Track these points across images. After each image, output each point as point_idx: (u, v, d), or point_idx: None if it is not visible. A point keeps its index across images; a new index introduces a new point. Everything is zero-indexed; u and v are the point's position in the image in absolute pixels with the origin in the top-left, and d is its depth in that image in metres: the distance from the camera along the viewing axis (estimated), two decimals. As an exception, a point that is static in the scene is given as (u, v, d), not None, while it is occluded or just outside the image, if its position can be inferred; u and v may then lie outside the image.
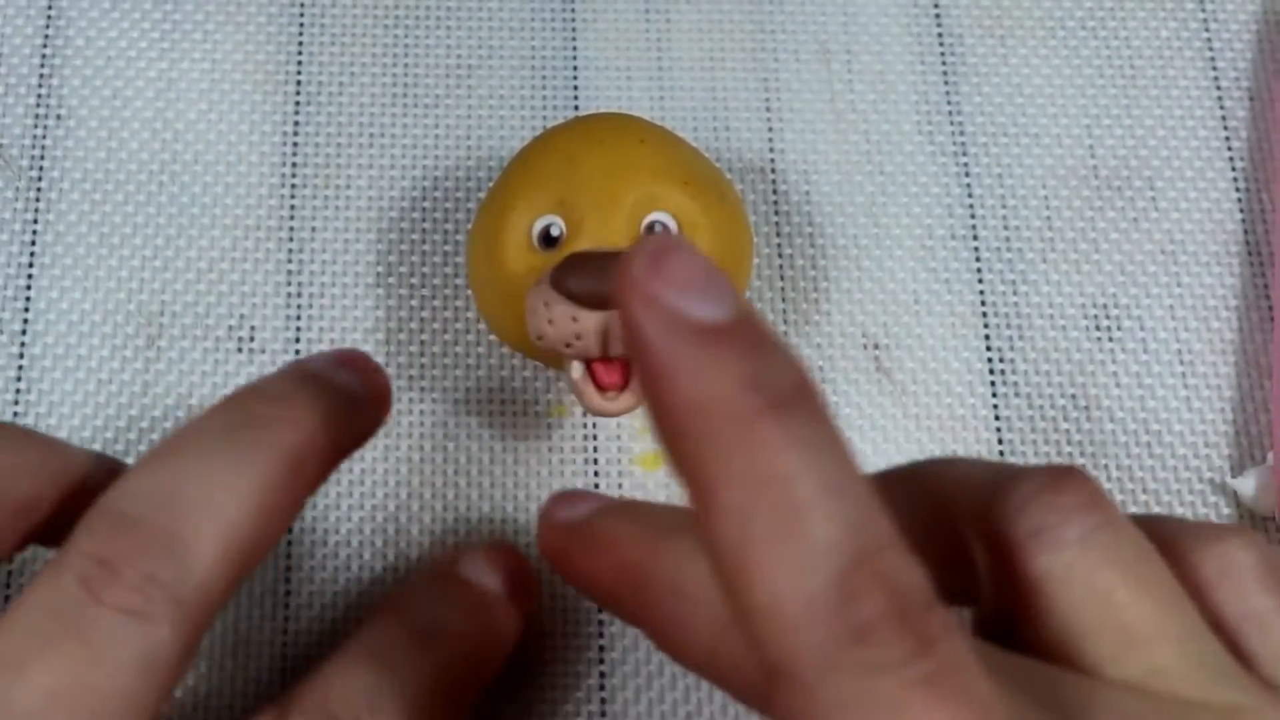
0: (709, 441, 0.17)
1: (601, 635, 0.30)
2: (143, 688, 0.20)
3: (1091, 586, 0.20)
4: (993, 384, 0.33)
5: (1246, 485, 0.31)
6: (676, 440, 0.17)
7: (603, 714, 0.30)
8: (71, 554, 0.21)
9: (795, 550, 0.16)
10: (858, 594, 0.16)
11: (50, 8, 0.36)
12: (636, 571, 0.22)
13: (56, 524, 0.24)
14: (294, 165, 0.34)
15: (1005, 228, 0.34)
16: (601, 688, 0.30)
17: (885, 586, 0.16)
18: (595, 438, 0.32)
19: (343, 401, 0.24)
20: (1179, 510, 0.32)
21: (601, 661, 0.30)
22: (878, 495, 0.17)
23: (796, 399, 0.17)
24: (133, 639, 0.20)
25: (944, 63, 0.36)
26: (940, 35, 0.36)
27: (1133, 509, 0.32)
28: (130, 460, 0.30)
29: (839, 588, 0.16)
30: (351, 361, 0.25)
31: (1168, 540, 0.21)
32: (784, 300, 0.33)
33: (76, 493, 0.24)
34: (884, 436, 0.32)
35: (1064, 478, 0.21)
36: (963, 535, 0.22)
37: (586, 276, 0.27)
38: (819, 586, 0.16)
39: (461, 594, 0.27)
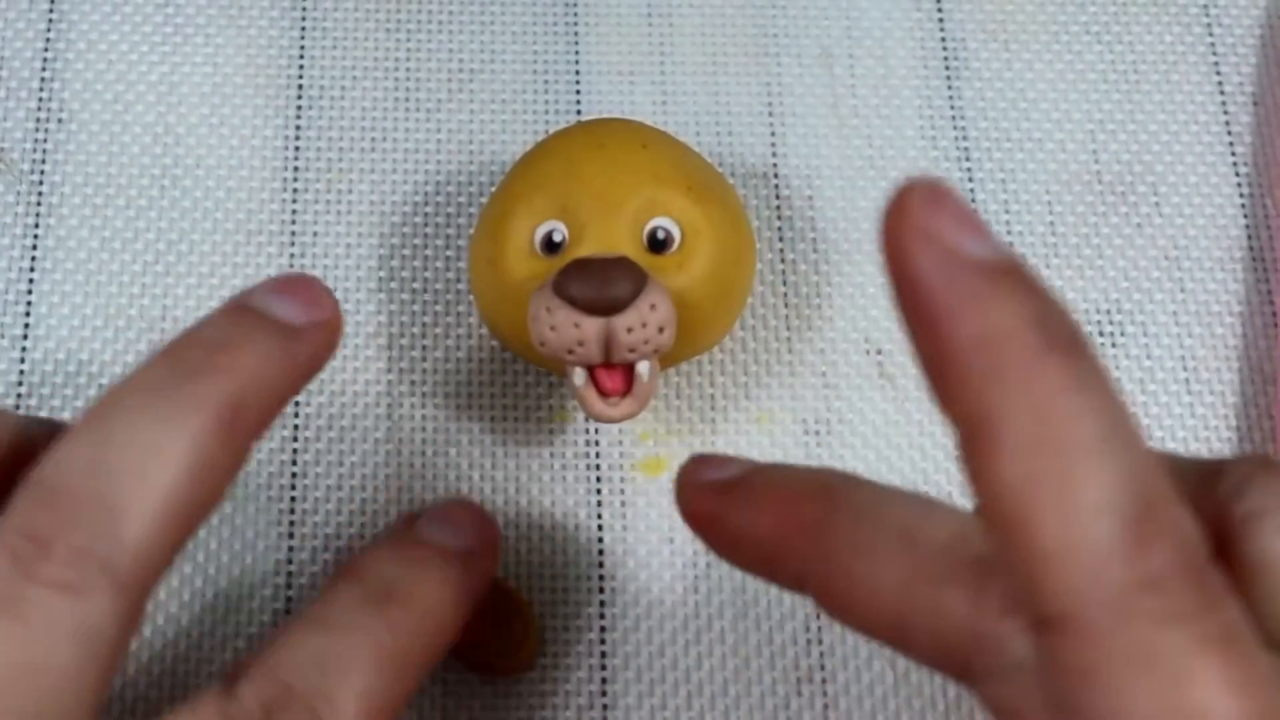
0: (994, 377, 0.16)
1: (604, 641, 0.30)
2: (84, 663, 0.20)
3: None
4: (996, 390, 0.33)
5: None
6: (953, 377, 0.17)
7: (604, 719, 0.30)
8: (4, 531, 0.20)
9: (1084, 493, 0.16)
10: (1148, 543, 0.16)
11: (52, 11, 0.36)
12: (811, 528, 0.21)
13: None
14: (295, 170, 0.34)
15: (1008, 233, 0.34)
16: (604, 694, 0.30)
17: (1174, 538, 0.16)
18: (597, 443, 0.32)
19: (282, 337, 0.23)
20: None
21: (604, 668, 0.30)
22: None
23: (1079, 342, 0.17)
24: (69, 615, 0.20)
25: (947, 67, 0.36)
26: (943, 40, 0.36)
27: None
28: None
29: (1130, 535, 0.16)
30: (293, 289, 0.23)
31: None
32: (787, 305, 0.33)
33: (16, 457, 0.24)
34: (887, 442, 0.32)
35: (1275, 463, 0.20)
36: None
37: (589, 282, 0.27)
38: (1110, 533, 0.16)
39: (419, 554, 0.26)
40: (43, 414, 0.32)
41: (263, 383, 0.22)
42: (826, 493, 0.21)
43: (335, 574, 0.26)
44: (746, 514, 0.22)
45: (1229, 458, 0.21)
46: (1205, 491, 0.20)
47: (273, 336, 0.23)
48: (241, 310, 0.23)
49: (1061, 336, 0.17)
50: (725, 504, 0.23)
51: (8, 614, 0.20)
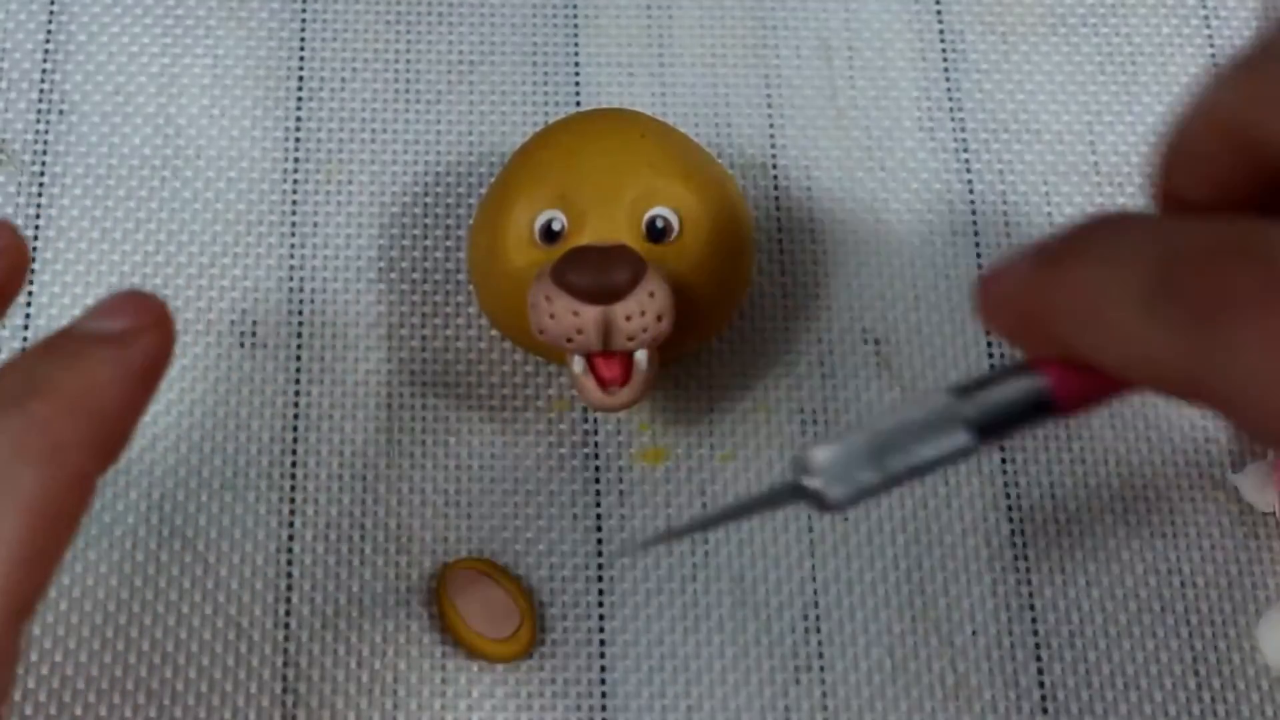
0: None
1: (603, 629, 0.30)
2: None
3: None
4: (994, 380, 0.33)
5: (1247, 481, 0.31)
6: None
7: (604, 708, 0.30)
8: None
9: None
10: None
11: (53, 3, 0.36)
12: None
13: None
14: (296, 160, 0.34)
15: (1006, 223, 0.34)
16: (602, 681, 0.30)
17: None
18: (596, 432, 0.32)
19: (111, 352, 0.23)
20: (1181, 505, 0.32)
21: (603, 656, 0.30)
22: None
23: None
24: None
25: (945, 59, 0.36)
26: (941, 32, 0.36)
27: (1133, 504, 0.32)
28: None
29: None
30: (112, 309, 0.23)
31: None
32: (785, 295, 0.33)
33: None
34: (885, 432, 0.32)
35: None
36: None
37: (588, 270, 0.27)
38: None
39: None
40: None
41: (103, 404, 0.22)
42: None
43: None
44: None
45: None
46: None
47: (103, 357, 0.23)
48: (66, 338, 0.23)
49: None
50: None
51: None
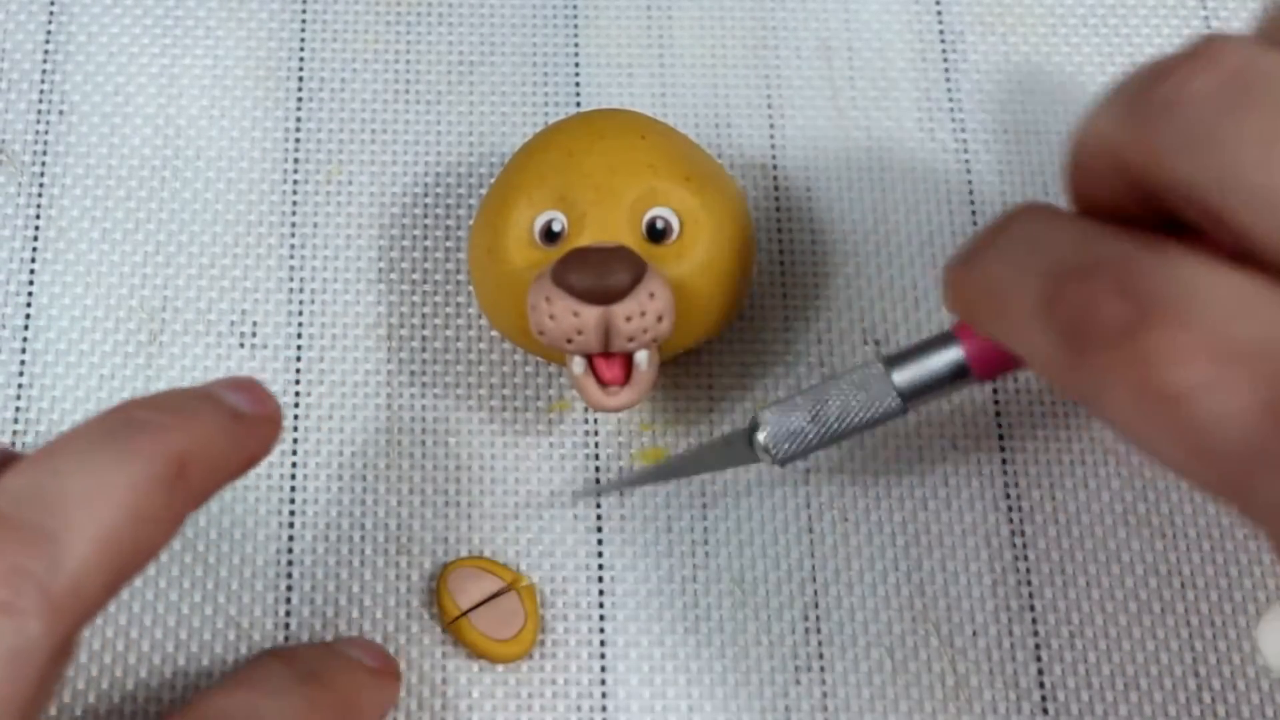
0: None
1: (603, 629, 0.30)
2: (13, 683, 0.20)
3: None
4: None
5: None
6: None
7: (604, 709, 0.30)
8: None
9: None
10: None
11: (53, 3, 0.36)
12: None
13: None
14: (296, 161, 0.34)
15: (1006, 224, 0.34)
16: (602, 681, 0.30)
17: None
18: (596, 433, 0.32)
19: (230, 417, 0.24)
20: (1181, 506, 0.32)
21: (603, 656, 0.30)
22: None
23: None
24: (1, 633, 0.20)
25: (945, 59, 0.36)
26: (941, 32, 0.36)
27: (1133, 504, 0.32)
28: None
29: None
30: (241, 385, 0.25)
31: None
32: (785, 296, 0.33)
33: None
34: (885, 431, 0.32)
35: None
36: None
37: (588, 271, 0.27)
38: None
39: (340, 657, 0.28)
40: (42, 405, 0.32)
41: (209, 449, 0.23)
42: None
43: (263, 652, 0.29)
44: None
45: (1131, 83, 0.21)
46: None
47: (223, 414, 0.24)
48: (195, 389, 0.24)
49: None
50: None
51: None
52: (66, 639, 0.21)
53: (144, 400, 0.24)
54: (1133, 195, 0.22)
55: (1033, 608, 0.31)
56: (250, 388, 0.25)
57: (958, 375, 0.27)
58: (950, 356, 0.27)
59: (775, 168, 0.35)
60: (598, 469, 0.32)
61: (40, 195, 0.34)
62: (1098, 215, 0.22)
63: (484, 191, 0.34)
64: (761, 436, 0.28)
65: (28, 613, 0.20)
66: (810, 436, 0.28)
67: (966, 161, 0.35)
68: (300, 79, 0.35)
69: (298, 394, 0.32)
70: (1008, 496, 0.32)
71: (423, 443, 0.32)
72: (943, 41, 0.36)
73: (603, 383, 0.28)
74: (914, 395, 0.28)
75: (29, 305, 0.33)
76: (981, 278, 0.23)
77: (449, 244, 0.34)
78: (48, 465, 0.22)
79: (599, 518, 0.31)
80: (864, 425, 0.28)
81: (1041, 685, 0.30)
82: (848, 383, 0.28)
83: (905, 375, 0.27)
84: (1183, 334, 0.19)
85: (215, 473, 0.24)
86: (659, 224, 0.29)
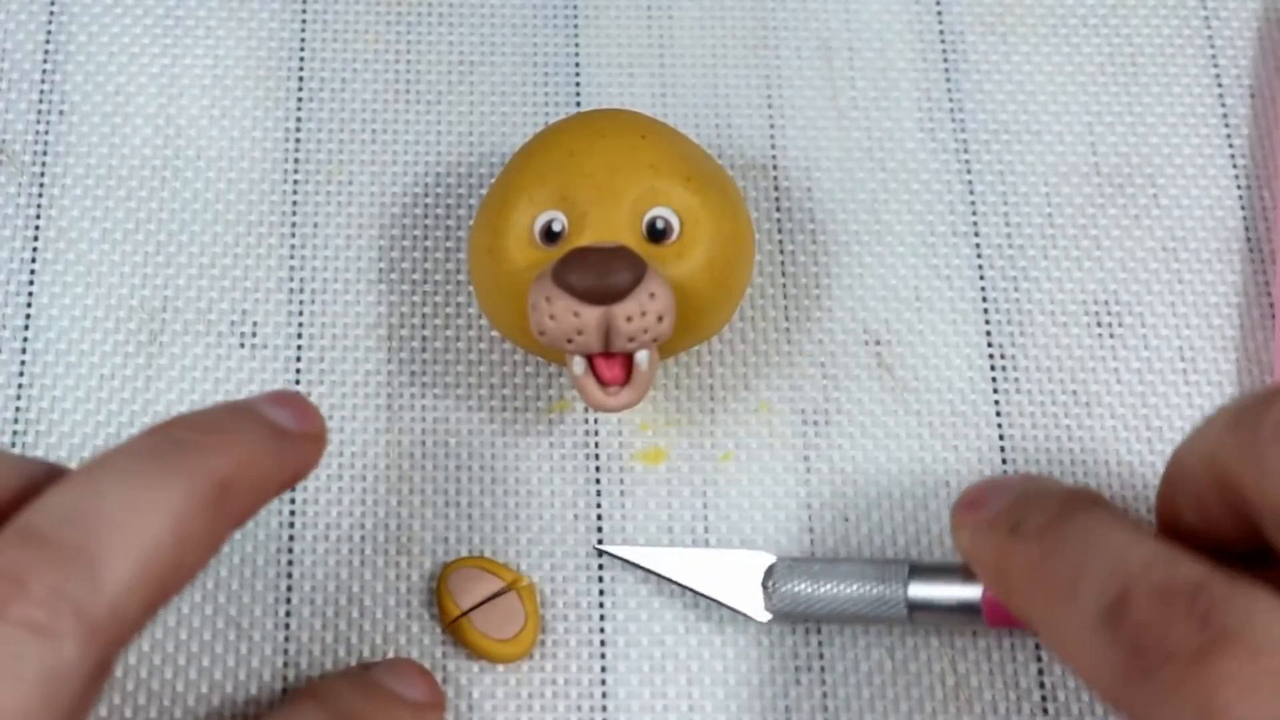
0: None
1: (603, 629, 0.30)
2: (48, 706, 0.20)
3: None
4: (994, 380, 0.33)
5: None
6: None
7: (604, 709, 0.30)
8: None
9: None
10: None
11: (53, 3, 0.36)
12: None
13: None
14: (296, 161, 0.34)
15: (1006, 224, 0.34)
16: (602, 681, 0.30)
17: None
18: (597, 433, 0.32)
19: (274, 435, 0.24)
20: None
21: (603, 656, 0.30)
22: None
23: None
24: (37, 655, 0.20)
25: (945, 59, 0.36)
26: (942, 32, 0.36)
27: (1133, 506, 0.32)
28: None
29: None
30: (285, 400, 0.25)
31: None
32: (785, 297, 0.33)
33: (19, 499, 0.23)
34: (885, 433, 0.32)
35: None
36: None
37: (588, 271, 0.27)
38: None
39: (377, 693, 0.28)
40: (42, 405, 0.32)
41: (252, 468, 0.23)
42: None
43: (294, 693, 0.28)
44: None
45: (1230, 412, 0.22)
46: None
47: (266, 431, 0.24)
48: (238, 405, 0.24)
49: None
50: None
51: None
52: (104, 661, 0.21)
53: (187, 418, 0.23)
54: (1230, 517, 0.22)
55: (1033, 608, 0.31)
56: (295, 403, 0.25)
57: (968, 610, 0.28)
58: (968, 594, 0.28)
59: (775, 167, 0.35)
60: (598, 469, 0.32)
61: (40, 195, 0.34)
62: (1175, 538, 0.22)
63: (484, 191, 0.34)
64: (769, 583, 0.29)
65: (65, 635, 0.20)
66: (810, 606, 0.29)
67: (966, 162, 0.35)
68: (300, 79, 0.35)
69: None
70: (1008, 496, 0.32)
71: (423, 443, 0.32)
72: (943, 41, 0.36)
73: (603, 383, 0.28)
74: (921, 609, 0.28)
75: (29, 305, 0.33)
76: (1033, 562, 0.23)
77: (449, 244, 0.34)
78: (89, 485, 0.22)
79: (599, 518, 0.31)
80: (863, 618, 0.29)
81: (1041, 685, 0.30)
82: (869, 574, 0.29)
83: (921, 591, 0.28)
84: (1250, 665, 0.19)
85: (258, 492, 0.23)
86: (659, 224, 0.29)
